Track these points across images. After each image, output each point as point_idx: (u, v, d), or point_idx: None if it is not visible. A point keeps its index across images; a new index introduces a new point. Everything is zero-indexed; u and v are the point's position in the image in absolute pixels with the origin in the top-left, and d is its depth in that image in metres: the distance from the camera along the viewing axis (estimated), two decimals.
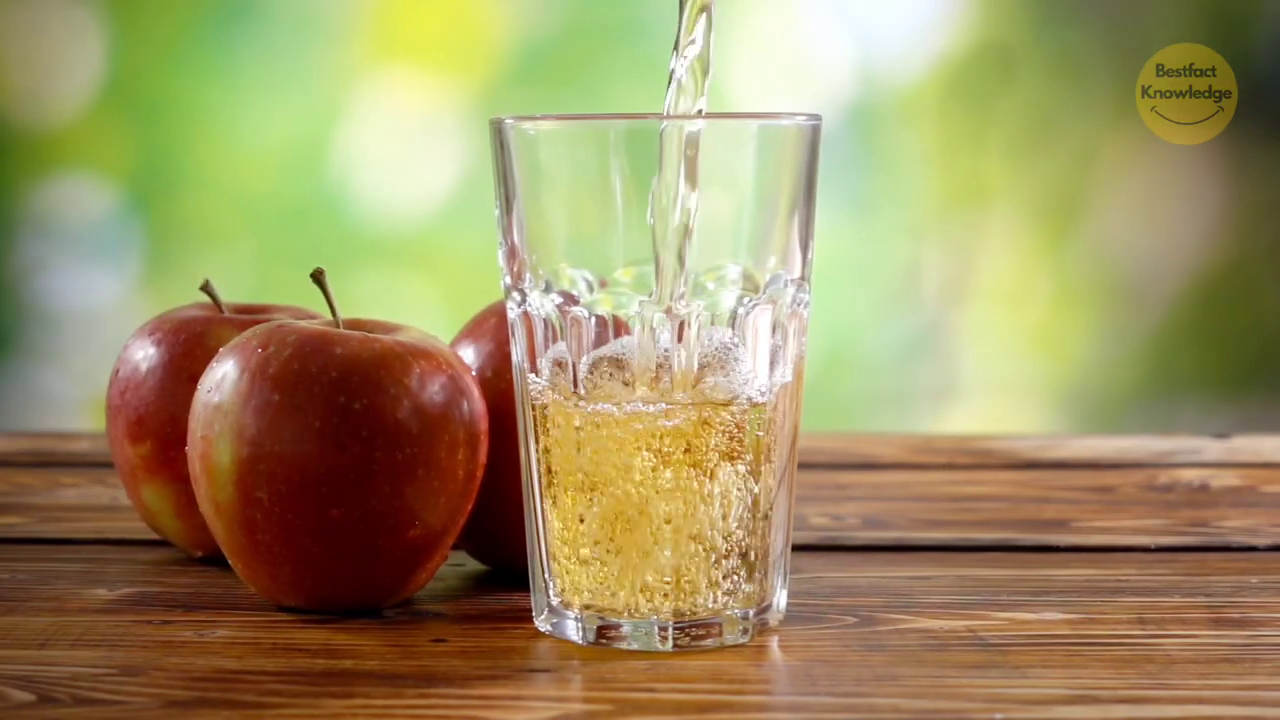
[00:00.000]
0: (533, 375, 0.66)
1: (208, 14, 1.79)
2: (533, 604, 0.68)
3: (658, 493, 0.65)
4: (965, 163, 1.81)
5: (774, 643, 0.66)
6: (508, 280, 0.68)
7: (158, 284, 1.77)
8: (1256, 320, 1.83)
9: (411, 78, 1.81)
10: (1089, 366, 1.82)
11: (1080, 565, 0.77)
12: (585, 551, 0.66)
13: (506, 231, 0.67)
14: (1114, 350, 1.81)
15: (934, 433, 1.48)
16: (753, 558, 0.66)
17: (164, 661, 0.64)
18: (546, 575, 0.67)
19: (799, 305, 0.68)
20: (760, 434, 0.65)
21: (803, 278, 0.68)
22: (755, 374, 0.66)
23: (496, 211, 0.68)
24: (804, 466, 0.97)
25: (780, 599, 0.68)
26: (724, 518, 0.65)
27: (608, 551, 0.65)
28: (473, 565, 0.77)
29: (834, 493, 0.92)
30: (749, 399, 0.65)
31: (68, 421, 1.73)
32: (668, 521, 0.65)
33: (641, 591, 0.65)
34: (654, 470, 0.65)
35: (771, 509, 0.67)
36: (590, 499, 0.65)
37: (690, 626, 0.66)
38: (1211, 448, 1.02)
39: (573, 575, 0.66)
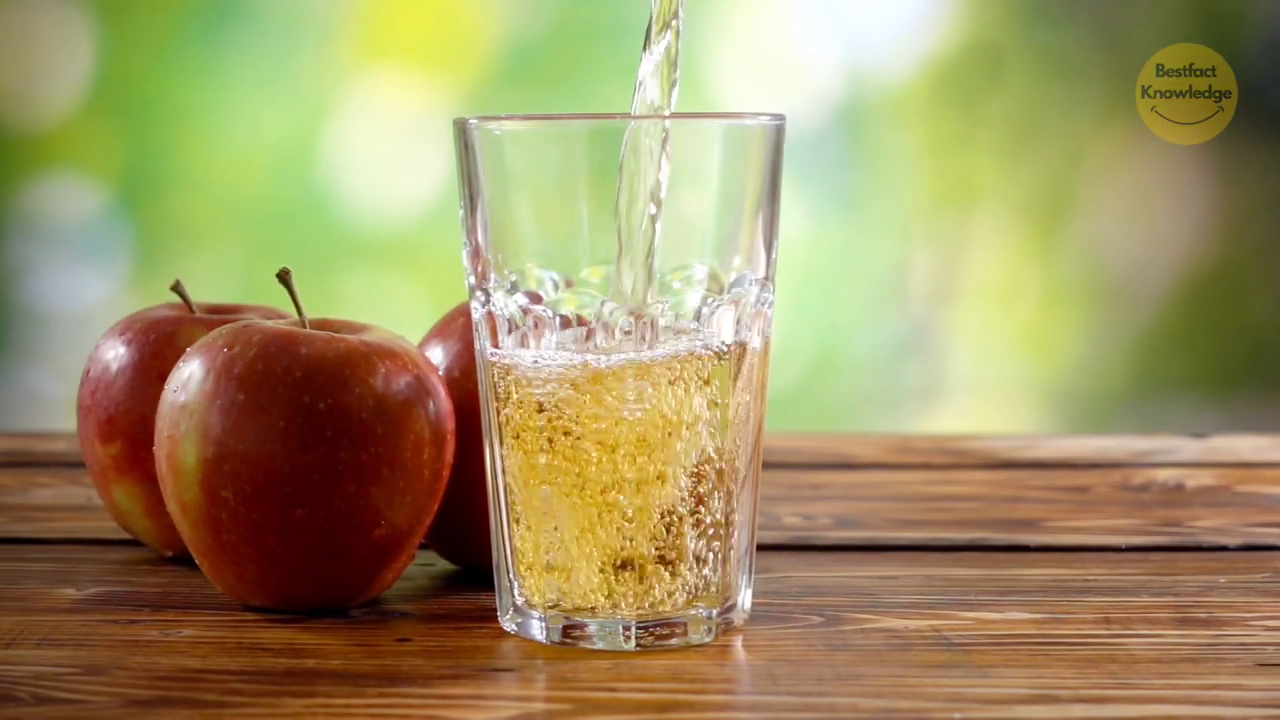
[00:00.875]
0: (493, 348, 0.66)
1: (197, 15, 1.79)
2: (498, 604, 0.68)
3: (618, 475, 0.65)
4: (954, 162, 1.81)
5: (738, 642, 0.66)
6: (472, 280, 0.68)
7: (146, 284, 1.77)
8: (1245, 320, 1.83)
9: (399, 78, 1.82)
10: (1077, 366, 1.82)
11: (1049, 565, 0.78)
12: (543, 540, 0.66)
13: (471, 232, 0.68)
14: (1102, 350, 1.82)
15: (922, 433, 1.48)
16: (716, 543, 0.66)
17: (128, 661, 0.64)
18: (511, 575, 0.68)
19: (763, 305, 0.68)
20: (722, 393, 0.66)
21: (767, 277, 0.68)
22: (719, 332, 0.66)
23: (461, 212, 0.68)
24: (781, 466, 0.97)
25: (745, 598, 0.68)
26: (687, 496, 0.66)
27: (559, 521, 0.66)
28: (442, 565, 0.77)
29: (809, 492, 0.92)
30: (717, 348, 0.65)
31: (56, 421, 1.73)
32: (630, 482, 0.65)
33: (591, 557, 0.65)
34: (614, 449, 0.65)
35: (736, 504, 0.67)
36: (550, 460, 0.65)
37: (655, 626, 0.66)
38: (1189, 447, 1.02)
39: (535, 572, 0.66)
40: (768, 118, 0.67)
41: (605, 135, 0.66)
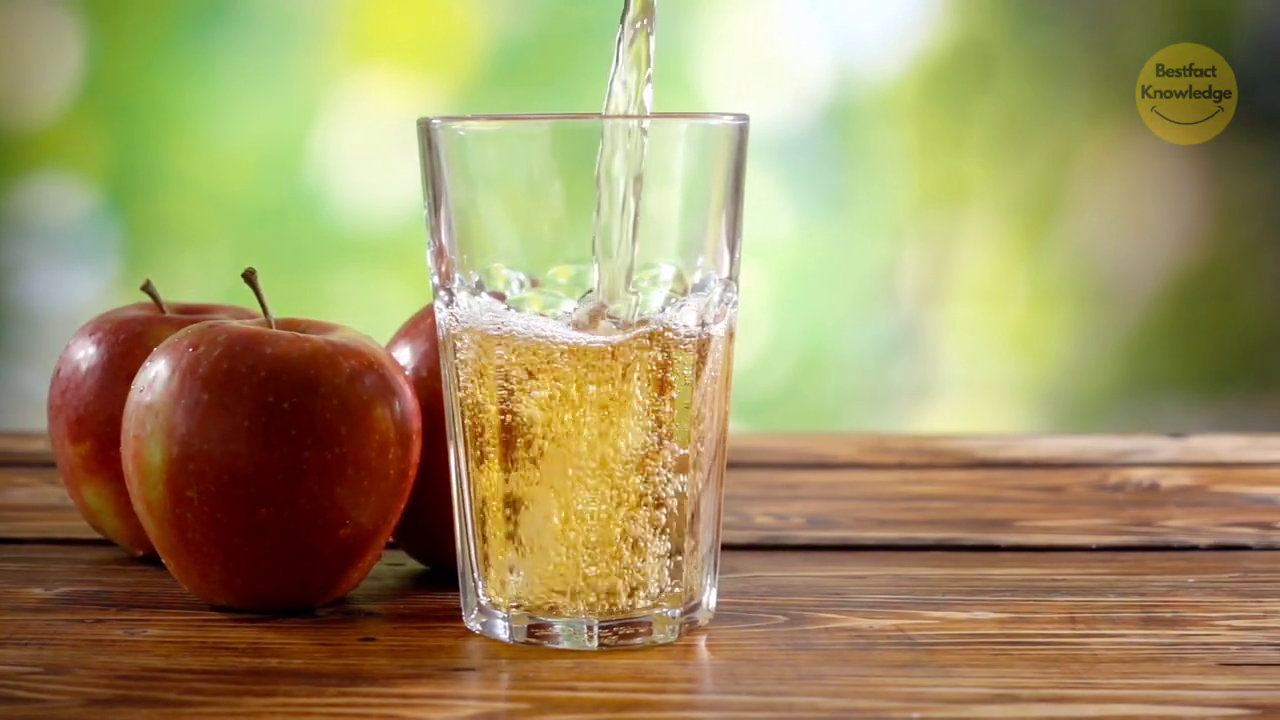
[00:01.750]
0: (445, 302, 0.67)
1: (186, 15, 1.80)
2: (462, 604, 0.68)
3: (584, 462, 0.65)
4: (943, 162, 1.81)
5: (701, 642, 0.67)
6: (435, 280, 0.68)
7: (135, 284, 1.77)
8: (1234, 320, 1.83)
9: (389, 79, 1.82)
10: (1066, 366, 1.82)
11: (1019, 565, 0.78)
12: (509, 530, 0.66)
13: (434, 232, 0.68)
14: (1091, 350, 1.81)
15: (910, 433, 1.48)
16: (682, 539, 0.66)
17: (91, 660, 0.64)
18: (475, 575, 0.68)
19: (726, 305, 0.68)
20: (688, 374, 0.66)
21: (730, 277, 0.68)
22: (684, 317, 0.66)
23: (425, 212, 0.68)
24: (758, 466, 0.97)
25: (710, 598, 0.68)
26: (649, 486, 0.66)
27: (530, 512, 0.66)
28: (411, 565, 0.77)
29: (783, 492, 0.92)
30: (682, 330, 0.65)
31: (42, 422, 1.73)
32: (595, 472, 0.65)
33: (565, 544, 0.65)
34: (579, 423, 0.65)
35: (699, 503, 0.67)
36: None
37: (619, 625, 0.66)
38: (1167, 447, 1.02)
39: (498, 563, 0.66)
40: (731, 117, 0.67)
41: (569, 135, 0.66)
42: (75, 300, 1.78)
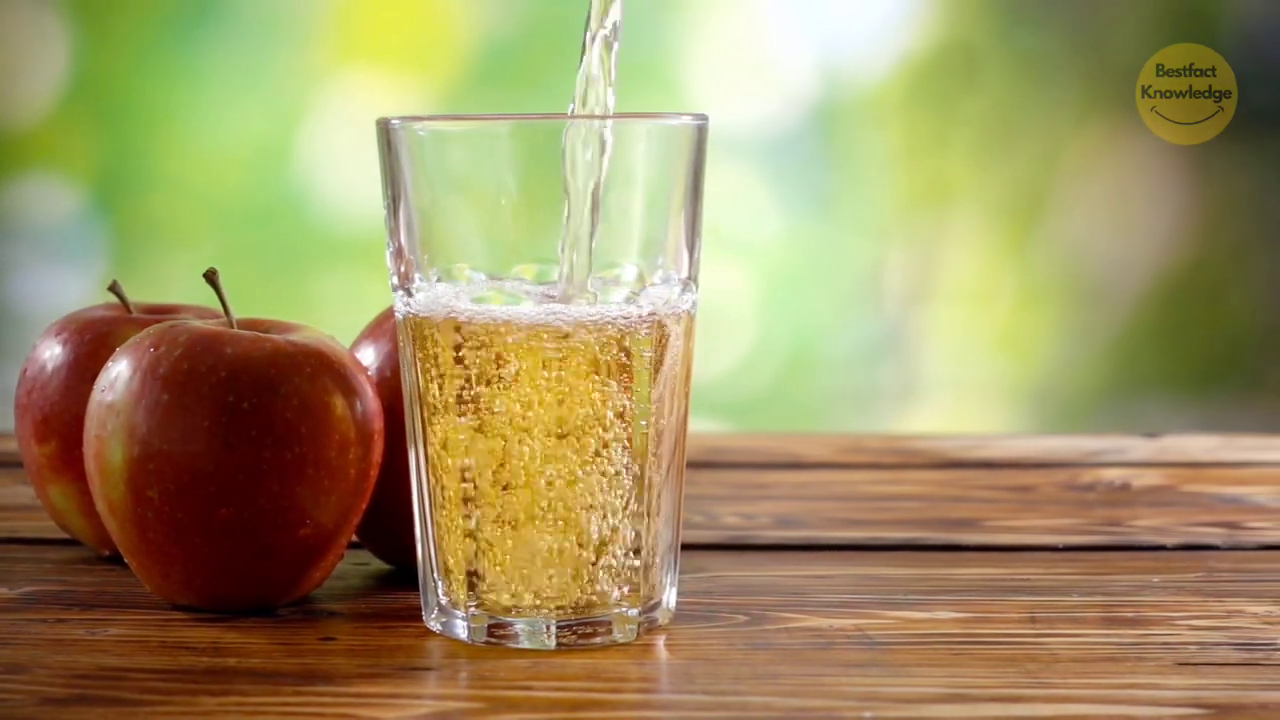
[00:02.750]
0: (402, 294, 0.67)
1: (173, 16, 1.80)
2: (422, 603, 0.68)
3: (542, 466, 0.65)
4: (929, 163, 1.81)
5: (660, 642, 0.67)
6: (395, 280, 0.68)
7: (123, 284, 1.77)
8: (1221, 320, 1.83)
9: (375, 79, 1.82)
10: (1053, 367, 1.82)
11: (984, 564, 0.78)
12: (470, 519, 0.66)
13: (394, 232, 0.68)
14: (1078, 350, 1.82)
15: (894, 433, 1.48)
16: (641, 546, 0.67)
17: (50, 659, 0.64)
18: (435, 575, 0.68)
19: (685, 304, 0.68)
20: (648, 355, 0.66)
21: (690, 277, 0.68)
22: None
23: (384, 212, 0.68)
24: (730, 466, 0.97)
25: (670, 597, 0.69)
26: (608, 496, 0.66)
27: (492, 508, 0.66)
28: (377, 565, 0.77)
29: (754, 492, 0.92)
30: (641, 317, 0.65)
31: None
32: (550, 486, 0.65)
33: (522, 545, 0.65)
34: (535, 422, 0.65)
35: (657, 501, 0.67)
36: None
37: (578, 625, 0.66)
38: (1140, 447, 1.02)
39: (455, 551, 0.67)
40: (690, 118, 0.67)
41: (530, 135, 0.67)
42: (62, 300, 1.78)
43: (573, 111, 0.69)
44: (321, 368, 0.69)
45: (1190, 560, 0.79)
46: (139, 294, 0.83)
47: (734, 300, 1.78)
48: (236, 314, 0.73)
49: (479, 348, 0.65)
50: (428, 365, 0.67)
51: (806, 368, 1.82)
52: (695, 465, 0.97)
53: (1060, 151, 1.80)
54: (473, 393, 0.66)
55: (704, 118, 0.68)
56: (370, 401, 0.70)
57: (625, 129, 0.67)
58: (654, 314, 0.66)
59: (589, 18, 0.70)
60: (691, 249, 0.68)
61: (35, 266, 1.80)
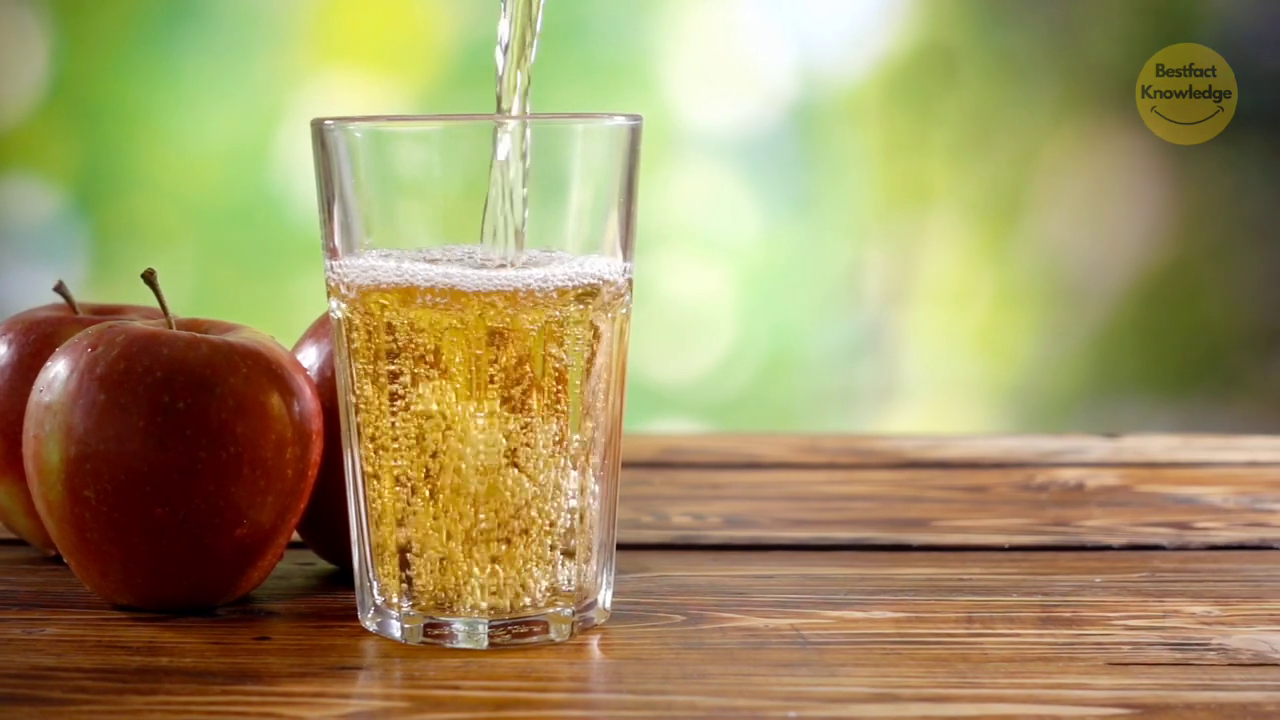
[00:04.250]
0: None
1: (152, 17, 1.80)
2: (358, 603, 0.68)
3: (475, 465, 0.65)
4: (907, 163, 1.81)
5: (594, 641, 0.67)
6: (332, 281, 0.68)
7: (102, 286, 1.78)
8: (1200, 320, 1.83)
9: (354, 80, 1.82)
10: (1031, 367, 1.82)
11: (928, 564, 0.78)
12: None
13: (329, 234, 0.68)
14: (1056, 351, 1.82)
15: (862, 433, 1.48)
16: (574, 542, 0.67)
17: None
18: (370, 574, 0.68)
19: (620, 303, 0.68)
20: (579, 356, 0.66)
21: (625, 275, 0.68)
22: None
23: (319, 214, 0.69)
24: (686, 466, 0.97)
25: (605, 596, 0.69)
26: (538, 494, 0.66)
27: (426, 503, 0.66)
28: (321, 565, 0.77)
29: (707, 492, 0.92)
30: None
31: None
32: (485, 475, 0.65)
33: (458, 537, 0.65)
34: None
35: (591, 501, 0.67)
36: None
37: (513, 624, 0.66)
38: (1098, 447, 1.02)
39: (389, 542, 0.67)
40: (624, 118, 0.67)
41: (460, 136, 0.67)
42: (43, 302, 1.78)
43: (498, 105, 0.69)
44: (258, 368, 0.69)
45: (1135, 560, 0.79)
46: (118, 296, 0.83)
47: (712, 301, 1.78)
48: (178, 315, 0.73)
49: (411, 331, 0.65)
50: (360, 366, 0.67)
51: (785, 368, 1.82)
52: (651, 465, 0.97)
53: (1038, 151, 1.80)
54: (403, 391, 0.66)
55: (638, 118, 0.68)
56: (308, 401, 0.70)
57: (559, 130, 0.67)
58: (589, 315, 0.66)
59: (502, 25, 0.71)
60: (626, 247, 0.68)
61: (15, 268, 1.80)
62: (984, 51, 1.80)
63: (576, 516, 0.67)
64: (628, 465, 0.97)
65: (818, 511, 0.88)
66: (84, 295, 0.83)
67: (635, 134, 0.67)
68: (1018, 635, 0.67)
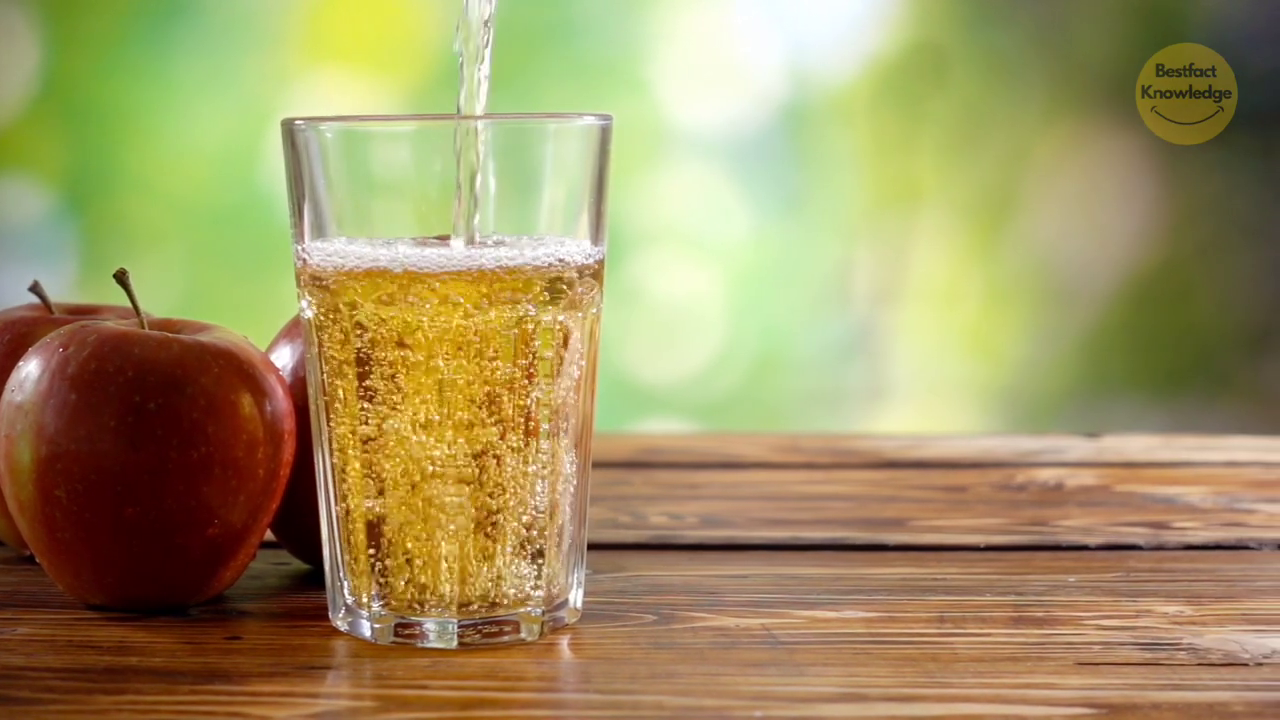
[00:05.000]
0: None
1: (142, 17, 1.80)
2: (329, 603, 0.69)
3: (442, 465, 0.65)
4: (897, 163, 1.81)
5: (564, 641, 0.67)
6: (302, 280, 0.68)
7: (91, 286, 1.78)
8: (1190, 320, 1.83)
9: (345, 80, 1.82)
10: (1021, 367, 1.82)
11: (903, 564, 0.78)
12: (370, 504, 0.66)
13: (300, 234, 0.68)
14: (1046, 351, 1.82)
15: (862, 433, 1.48)
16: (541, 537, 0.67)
17: None
18: (341, 574, 0.68)
19: (590, 301, 0.68)
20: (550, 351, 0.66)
21: (594, 275, 0.68)
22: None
23: (290, 215, 0.69)
24: (664, 466, 0.97)
25: (576, 596, 0.69)
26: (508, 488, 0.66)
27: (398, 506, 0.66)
28: (296, 565, 0.77)
29: (684, 492, 0.92)
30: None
31: None
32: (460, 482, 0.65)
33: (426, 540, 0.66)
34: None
35: (561, 500, 0.67)
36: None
37: (483, 624, 0.66)
38: (1078, 447, 1.02)
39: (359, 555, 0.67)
40: (594, 118, 0.67)
41: (431, 136, 0.67)
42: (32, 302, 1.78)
43: (459, 106, 0.70)
44: (229, 368, 0.69)
45: (1110, 560, 0.79)
46: (107, 297, 0.83)
47: (702, 301, 1.78)
48: (151, 315, 0.73)
49: (381, 330, 0.65)
50: (329, 364, 0.67)
51: (774, 369, 1.82)
52: (631, 465, 0.98)
53: (1028, 151, 1.81)
54: (372, 392, 0.66)
55: (608, 118, 0.68)
56: (280, 401, 0.70)
57: (530, 129, 0.67)
58: (559, 314, 0.66)
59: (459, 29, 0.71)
60: (596, 243, 0.68)
61: (4, 268, 1.80)
62: (974, 51, 1.80)
63: (547, 516, 0.67)
64: (608, 465, 0.97)
65: (794, 511, 0.88)
66: (73, 295, 0.83)
67: (606, 133, 0.67)
68: (989, 635, 0.68)
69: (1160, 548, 0.81)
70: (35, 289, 0.80)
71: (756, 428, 1.77)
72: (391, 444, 0.66)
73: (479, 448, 0.65)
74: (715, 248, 1.80)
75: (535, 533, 0.67)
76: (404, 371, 0.66)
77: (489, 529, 0.66)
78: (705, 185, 1.79)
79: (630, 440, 1.04)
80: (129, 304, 0.81)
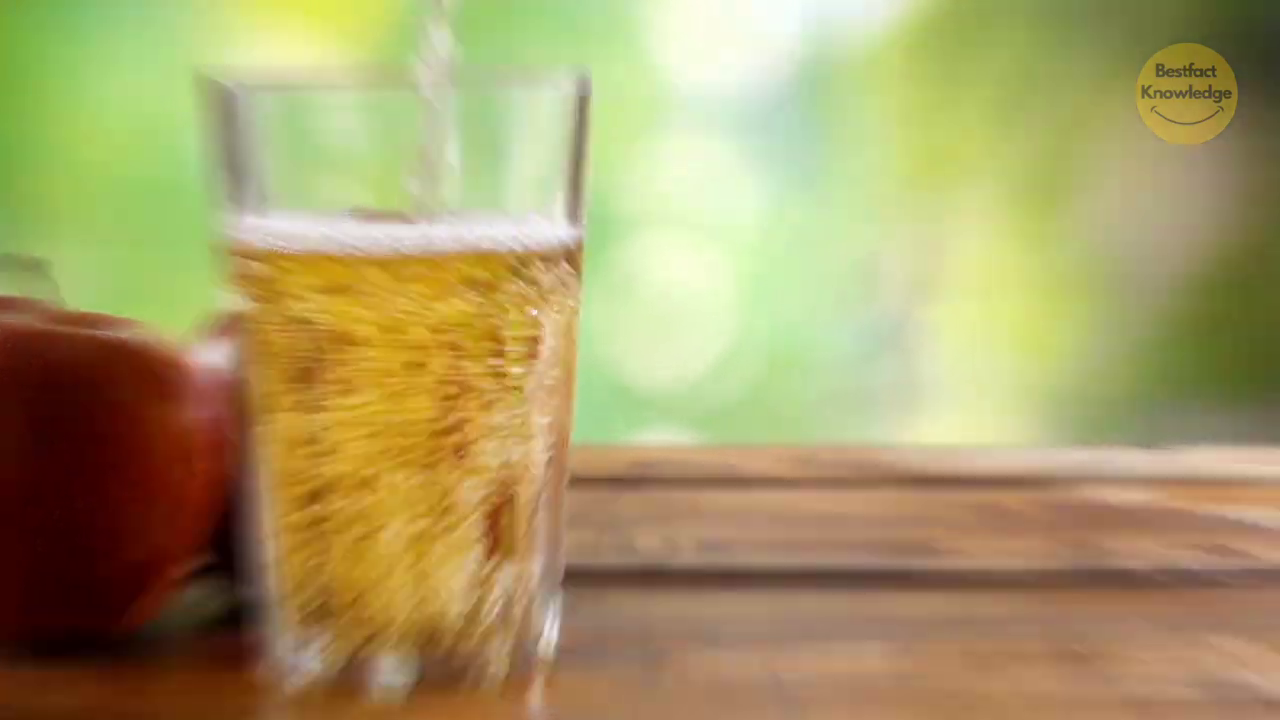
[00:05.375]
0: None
1: None
2: (266, 638, 0.69)
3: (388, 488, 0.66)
4: (935, 132, 1.82)
5: (535, 686, 0.67)
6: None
7: None
8: (1270, 317, 1.84)
9: (295, 40, 1.83)
10: (1074, 369, 1.83)
11: (931, 596, 0.78)
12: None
13: (230, 211, 0.69)
14: (1103, 350, 1.83)
15: (888, 445, 1.49)
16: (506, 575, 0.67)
17: None
18: (279, 607, 0.68)
19: (566, 291, 0.69)
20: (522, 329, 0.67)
21: (571, 263, 0.69)
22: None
23: (217, 187, 0.69)
24: (659, 482, 0.98)
25: (550, 634, 0.69)
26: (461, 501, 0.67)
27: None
28: (235, 594, 0.77)
29: (682, 512, 0.93)
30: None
31: None
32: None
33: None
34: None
35: (533, 528, 0.68)
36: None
37: (439, 663, 0.67)
38: (1132, 461, 1.02)
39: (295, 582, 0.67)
40: (567, 74, 0.68)
41: (383, 102, 0.68)
42: None
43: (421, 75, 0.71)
44: (145, 370, 0.69)
45: (1168, 589, 0.79)
46: (18, 282, 0.83)
47: (707, 293, 1.79)
48: (71, 307, 0.74)
49: (322, 327, 0.66)
50: (264, 365, 0.68)
51: (789, 371, 1.83)
52: (621, 482, 0.98)
53: (1087, 118, 1.81)
54: (313, 398, 0.66)
55: (585, 72, 0.68)
56: (208, 407, 0.71)
57: (494, 86, 0.68)
58: (528, 306, 0.67)
59: None
60: (575, 221, 0.69)
61: None
62: (1024, 1, 1.81)
63: (515, 541, 0.67)
64: (595, 480, 0.97)
65: (808, 535, 0.88)
66: None
67: (583, 92, 0.68)
68: (1029, 677, 0.68)
69: (1221, 574, 0.81)
70: None
71: (767, 439, 1.78)
72: (334, 459, 0.66)
73: (436, 461, 0.66)
74: (721, 230, 1.81)
75: (501, 562, 0.67)
76: (350, 375, 0.66)
77: (449, 558, 0.66)
78: (710, 158, 1.80)
79: (620, 453, 1.05)
80: (42, 295, 0.83)
